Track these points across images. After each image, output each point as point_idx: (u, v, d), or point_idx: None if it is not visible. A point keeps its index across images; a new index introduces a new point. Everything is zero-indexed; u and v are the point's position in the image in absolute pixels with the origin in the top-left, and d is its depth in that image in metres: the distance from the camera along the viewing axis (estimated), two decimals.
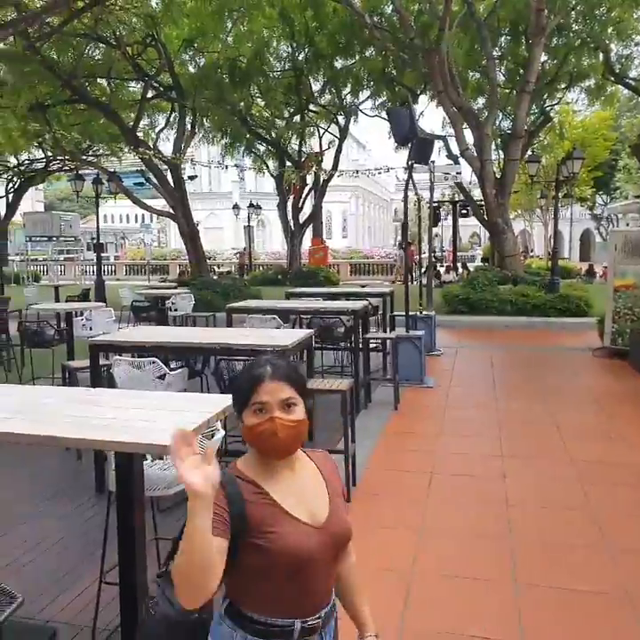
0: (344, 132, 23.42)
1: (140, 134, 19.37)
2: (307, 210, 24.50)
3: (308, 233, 25.88)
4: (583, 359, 9.41)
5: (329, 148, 24.09)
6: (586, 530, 3.88)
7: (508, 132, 18.20)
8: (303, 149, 23.37)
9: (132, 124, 18.31)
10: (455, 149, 17.78)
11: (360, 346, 6.96)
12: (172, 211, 18.62)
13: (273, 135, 22.56)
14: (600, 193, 36.99)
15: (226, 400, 2.58)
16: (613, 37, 18.61)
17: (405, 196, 8.17)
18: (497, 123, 19.83)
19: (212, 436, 2.77)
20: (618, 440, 5.63)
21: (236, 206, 33.12)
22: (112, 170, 20.98)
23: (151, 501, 3.12)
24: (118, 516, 2.30)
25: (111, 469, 2.67)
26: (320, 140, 23.94)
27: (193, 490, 1.18)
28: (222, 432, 2.81)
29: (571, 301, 13.29)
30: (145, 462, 2.47)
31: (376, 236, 68.64)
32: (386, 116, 19.62)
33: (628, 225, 26.88)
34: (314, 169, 22.00)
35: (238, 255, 32.98)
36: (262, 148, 24.02)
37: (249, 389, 1.41)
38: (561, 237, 39.21)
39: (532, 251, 44.72)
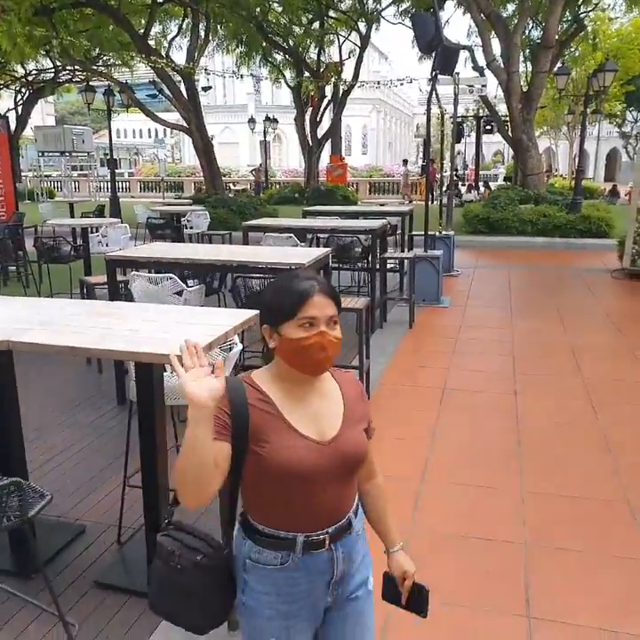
0: (365, 41, 22.24)
1: (151, 42, 18.57)
2: (325, 124, 23.69)
3: (327, 149, 25.16)
4: (601, 280, 9.33)
5: (349, 57, 23.00)
6: (593, 444, 3.99)
7: (538, 41, 17.22)
8: (322, 59, 22.36)
9: (142, 31, 17.52)
10: (481, 61, 16.99)
11: (377, 265, 6.92)
12: (185, 124, 18.16)
13: (290, 43, 21.54)
14: (631, 109, 35.14)
15: (244, 314, 2.61)
16: None
17: (428, 110, 7.83)
18: (526, 32, 18.71)
19: (230, 350, 2.82)
20: (631, 360, 5.65)
21: (251, 120, 32.12)
22: (124, 81, 20.29)
23: (171, 411, 3.23)
24: (140, 423, 2.38)
25: (132, 379, 2.75)
26: (340, 49, 22.83)
27: (194, 402, 1.21)
28: (240, 346, 2.85)
29: (592, 222, 13.01)
30: (165, 374, 2.52)
31: (397, 153, 66.60)
32: (409, 24, 18.65)
33: None
34: (333, 79, 21.15)
35: (254, 172, 32.27)
36: (279, 58, 23.02)
37: (298, 303, 1.36)
38: (586, 156, 37.80)
39: (556, 170, 43.31)
